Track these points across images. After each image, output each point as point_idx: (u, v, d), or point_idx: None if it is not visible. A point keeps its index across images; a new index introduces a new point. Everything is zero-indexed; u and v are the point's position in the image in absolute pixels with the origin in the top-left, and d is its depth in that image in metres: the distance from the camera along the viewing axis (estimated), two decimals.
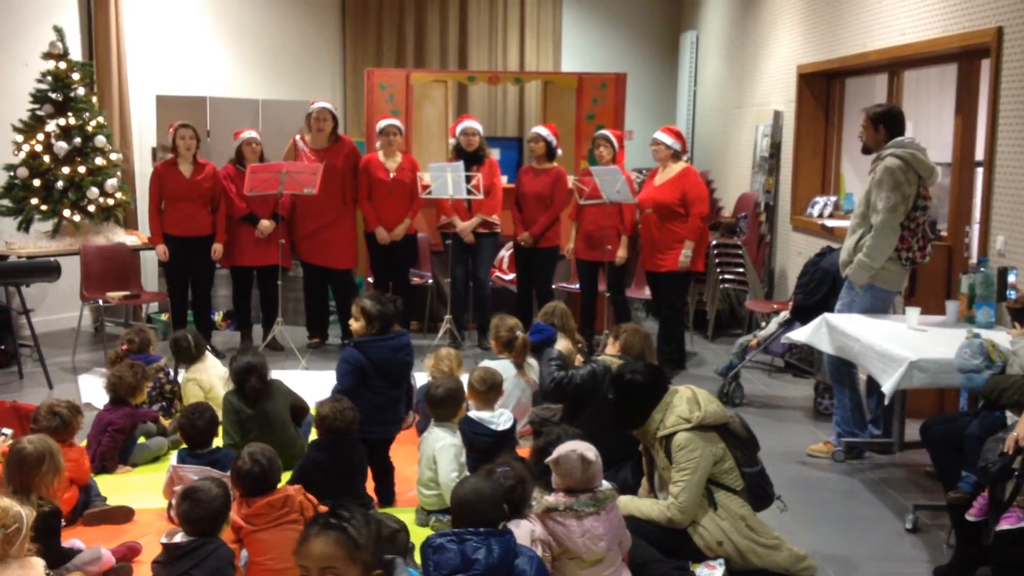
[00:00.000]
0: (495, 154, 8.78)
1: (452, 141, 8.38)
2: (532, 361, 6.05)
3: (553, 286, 8.50)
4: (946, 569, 4.27)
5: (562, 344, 6.01)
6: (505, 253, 8.80)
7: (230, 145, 8.23)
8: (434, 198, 8.03)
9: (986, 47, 5.89)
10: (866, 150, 5.75)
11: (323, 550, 2.47)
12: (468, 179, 7.88)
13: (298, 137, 8.20)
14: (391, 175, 8.10)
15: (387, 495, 4.95)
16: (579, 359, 6.26)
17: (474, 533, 3.36)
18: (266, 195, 7.71)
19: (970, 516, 4.03)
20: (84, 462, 4.74)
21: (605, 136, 7.94)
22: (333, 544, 2.47)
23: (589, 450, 3.82)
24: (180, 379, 6.20)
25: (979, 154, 6.28)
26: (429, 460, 4.68)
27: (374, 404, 4.87)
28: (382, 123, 8.19)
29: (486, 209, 8.17)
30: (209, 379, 6.10)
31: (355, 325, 4.92)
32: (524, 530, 3.67)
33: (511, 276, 8.68)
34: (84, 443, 5.28)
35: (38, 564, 3.51)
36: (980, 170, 6.18)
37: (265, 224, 7.92)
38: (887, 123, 5.61)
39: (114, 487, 4.99)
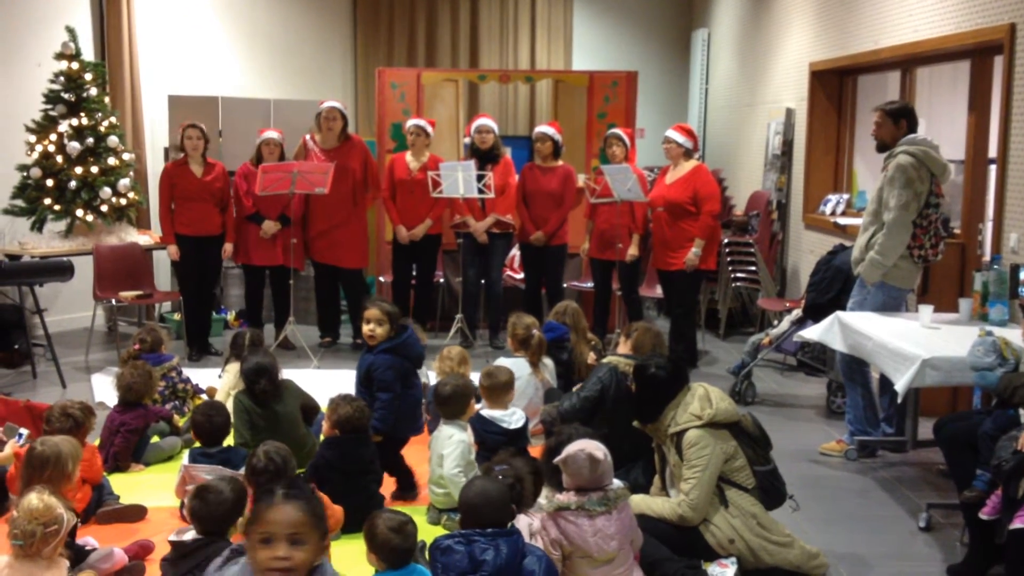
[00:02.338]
0: (506, 153, 8.77)
1: (467, 140, 8.37)
2: (547, 360, 6.05)
3: (565, 285, 8.50)
4: (959, 568, 4.26)
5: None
6: (516, 252, 8.80)
7: (242, 145, 8.25)
8: (446, 197, 8.03)
9: (999, 44, 5.87)
10: (882, 147, 5.73)
11: (293, 516, 2.56)
12: (480, 178, 7.88)
13: (308, 137, 8.21)
14: (412, 174, 8.11)
15: (411, 488, 4.99)
16: (591, 358, 6.26)
17: (482, 534, 3.36)
18: (277, 195, 7.72)
19: (984, 515, 4.02)
20: (96, 461, 4.76)
21: (617, 135, 7.92)
22: (301, 511, 2.57)
23: (597, 449, 3.81)
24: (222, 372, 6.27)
25: (992, 151, 6.26)
26: (439, 458, 4.68)
27: (416, 400, 5.03)
28: (409, 123, 8.23)
29: (500, 208, 8.16)
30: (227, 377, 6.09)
31: (379, 331, 4.91)
32: (522, 524, 3.68)
33: (522, 275, 8.67)
34: (97, 442, 5.30)
35: (65, 566, 3.56)
36: (993, 167, 6.16)
37: (268, 224, 7.93)
38: (908, 118, 5.60)
39: (127, 486, 5.01)
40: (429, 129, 8.24)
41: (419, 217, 8.16)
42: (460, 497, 3.58)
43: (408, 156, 8.21)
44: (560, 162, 8.21)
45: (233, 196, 8.00)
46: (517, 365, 5.72)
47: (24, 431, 4.94)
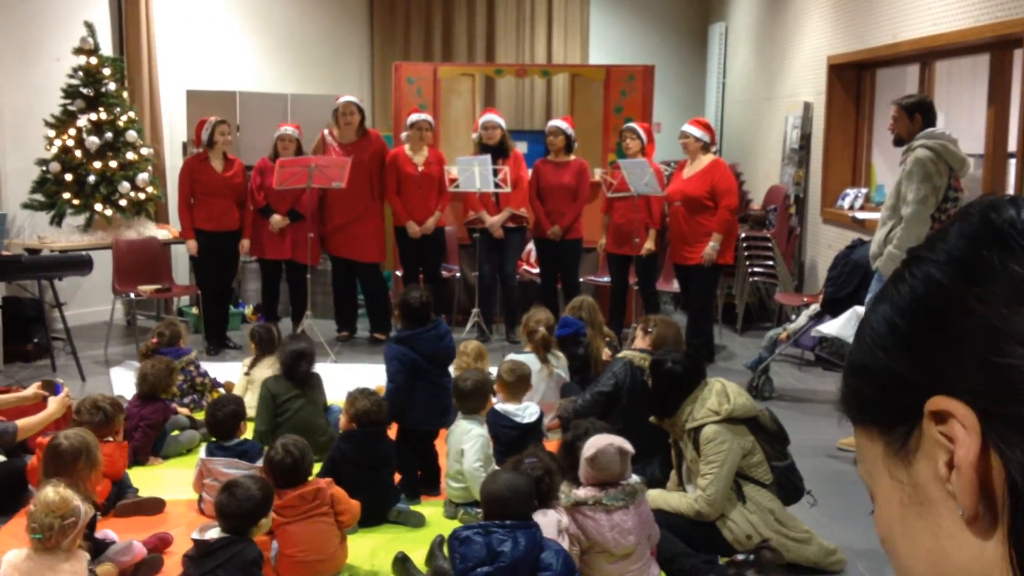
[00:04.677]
0: (522, 147, 8.76)
1: (475, 136, 8.38)
2: (560, 354, 6.04)
3: (581, 279, 8.49)
4: None
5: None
6: (532, 246, 8.80)
7: (260, 139, 8.28)
8: (461, 192, 8.04)
9: (1018, 37, 5.82)
10: (899, 142, 5.70)
11: None
12: (495, 172, 7.88)
13: (326, 131, 8.23)
14: (419, 169, 8.12)
15: (435, 484, 5.00)
16: (606, 353, 6.25)
17: (500, 526, 3.37)
18: (288, 190, 7.74)
19: None
20: (120, 458, 4.77)
21: (632, 128, 7.92)
22: None
23: (624, 442, 3.82)
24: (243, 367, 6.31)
25: (1012, 145, 6.22)
26: (457, 453, 4.68)
27: (439, 393, 5.04)
28: (416, 117, 8.19)
29: (514, 202, 8.17)
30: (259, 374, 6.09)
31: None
32: (551, 520, 3.68)
33: (538, 270, 8.66)
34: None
35: (84, 559, 3.58)
36: (1013, 161, 6.12)
37: (276, 219, 7.95)
38: (924, 112, 5.57)
39: (146, 479, 5.04)
40: (433, 123, 8.27)
41: (428, 211, 8.16)
42: (485, 489, 3.58)
43: (408, 150, 8.20)
44: (573, 156, 8.21)
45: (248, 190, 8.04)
46: (530, 360, 5.72)
47: (61, 381, 4.96)
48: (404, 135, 8.26)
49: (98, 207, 8.31)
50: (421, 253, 8.30)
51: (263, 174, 7.94)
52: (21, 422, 4.65)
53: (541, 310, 6.17)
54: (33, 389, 4.93)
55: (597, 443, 3.82)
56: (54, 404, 4.73)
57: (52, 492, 3.53)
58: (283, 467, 4.01)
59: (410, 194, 8.16)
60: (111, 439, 4.75)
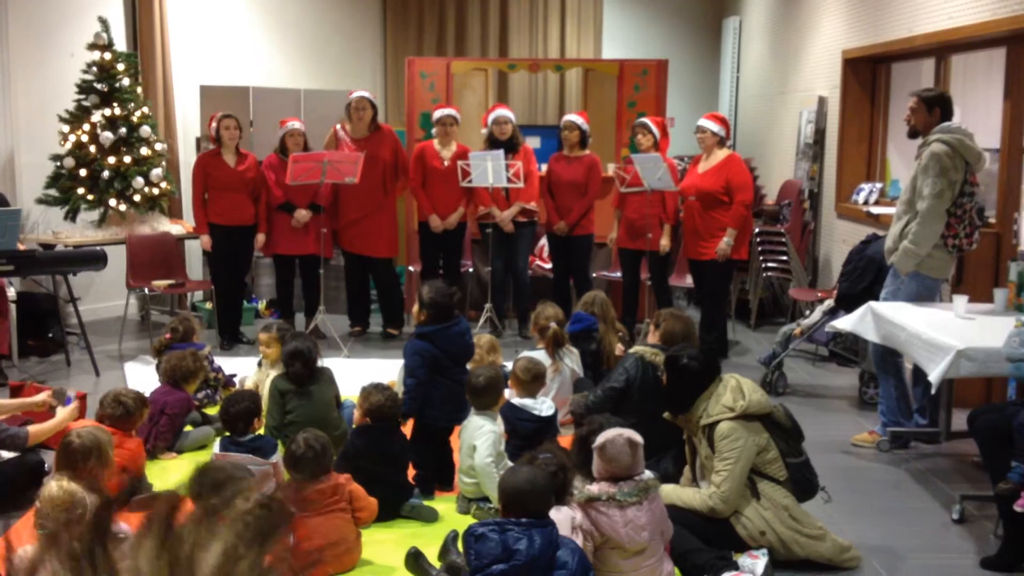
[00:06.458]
0: (536, 142, 8.73)
1: (484, 131, 8.36)
2: (573, 349, 6.03)
3: (593, 275, 8.48)
4: (993, 560, 4.22)
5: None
6: (545, 241, 8.79)
7: (273, 134, 8.27)
8: (474, 187, 8.04)
9: None
10: (913, 134, 5.67)
11: None
12: (507, 168, 7.87)
13: (339, 126, 8.23)
14: (445, 163, 8.12)
15: (449, 479, 4.99)
16: (619, 348, 6.24)
17: (516, 523, 3.36)
18: (306, 184, 7.74)
19: (1018, 507, 3.99)
20: (141, 455, 4.78)
21: (643, 124, 7.90)
22: None
23: (633, 433, 3.81)
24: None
25: None
26: (469, 448, 4.68)
27: (457, 390, 5.02)
28: (439, 112, 8.20)
29: (524, 197, 8.16)
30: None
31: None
32: (564, 516, 3.67)
33: (551, 265, 8.65)
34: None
35: None
36: None
37: (301, 213, 7.95)
38: (942, 106, 5.54)
39: (160, 474, 5.05)
40: (459, 117, 8.26)
41: (452, 206, 8.17)
42: (505, 483, 3.57)
43: (437, 144, 8.22)
44: (587, 151, 8.19)
45: (264, 186, 8.03)
46: (543, 357, 5.71)
47: (72, 392, 4.97)
48: (434, 131, 8.30)
49: (112, 202, 8.33)
50: (443, 248, 8.31)
51: (276, 170, 7.94)
52: (32, 428, 4.65)
53: (549, 306, 6.17)
54: (43, 396, 4.92)
55: (607, 434, 3.82)
56: (63, 413, 4.73)
57: (56, 487, 3.53)
58: (305, 461, 4.02)
59: (435, 188, 8.17)
60: (132, 435, 4.75)
